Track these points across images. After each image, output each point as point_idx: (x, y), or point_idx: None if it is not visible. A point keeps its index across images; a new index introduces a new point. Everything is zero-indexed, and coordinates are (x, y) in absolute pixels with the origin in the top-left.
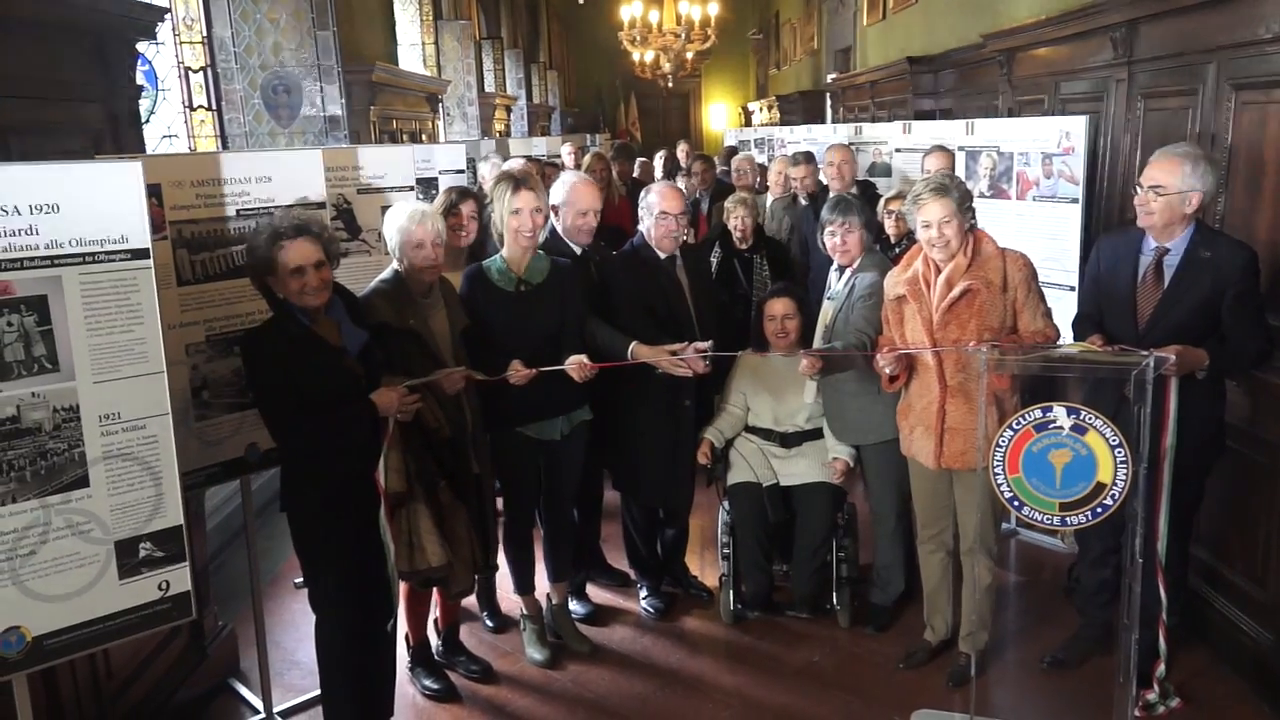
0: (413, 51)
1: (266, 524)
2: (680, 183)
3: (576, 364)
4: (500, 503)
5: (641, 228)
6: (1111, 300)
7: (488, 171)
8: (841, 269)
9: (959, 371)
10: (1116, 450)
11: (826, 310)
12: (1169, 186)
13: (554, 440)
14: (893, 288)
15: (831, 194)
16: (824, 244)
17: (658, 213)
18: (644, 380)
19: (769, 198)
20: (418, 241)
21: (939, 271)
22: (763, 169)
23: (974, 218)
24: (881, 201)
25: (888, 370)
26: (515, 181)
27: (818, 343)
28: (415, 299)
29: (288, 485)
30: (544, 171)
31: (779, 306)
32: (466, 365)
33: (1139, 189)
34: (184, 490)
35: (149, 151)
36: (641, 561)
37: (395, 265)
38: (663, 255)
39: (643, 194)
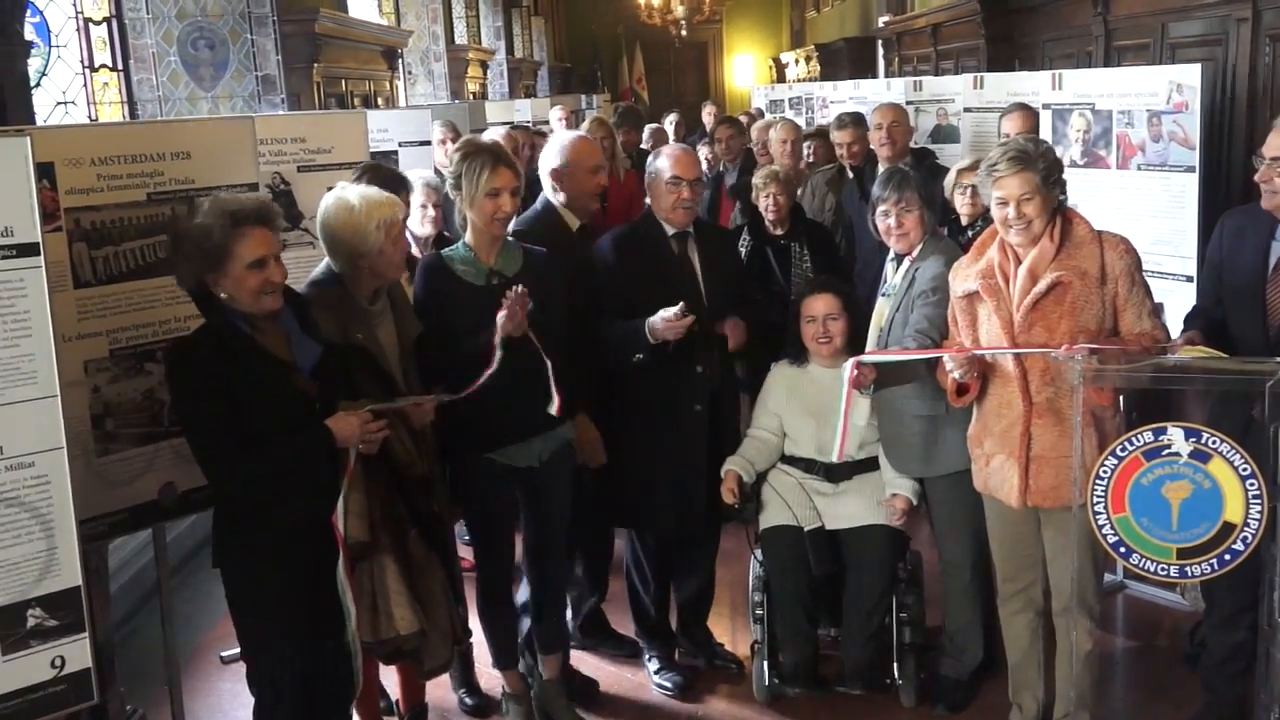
0: None
1: (187, 583)
2: (702, 154)
3: (410, 404)
4: (463, 550)
5: (649, 200)
6: (1235, 295)
7: (436, 137)
8: (899, 258)
9: (1047, 385)
10: (1248, 482)
11: (882, 309)
12: None
13: (532, 467)
14: (961, 282)
15: (882, 166)
16: (875, 227)
17: (668, 178)
18: (642, 383)
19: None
20: (377, 246)
21: (1019, 261)
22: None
23: (1063, 193)
24: (952, 173)
25: (956, 374)
26: (494, 156)
27: (871, 348)
28: (360, 307)
29: (222, 533)
30: (533, 141)
31: (820, 304)
32: (416, 382)
33: (1260, 161)
34: (83, 543)
35: (39, 123)
36: (650, 625)
37: (329, 264)
38: (672, 231)
39: (649, 159)
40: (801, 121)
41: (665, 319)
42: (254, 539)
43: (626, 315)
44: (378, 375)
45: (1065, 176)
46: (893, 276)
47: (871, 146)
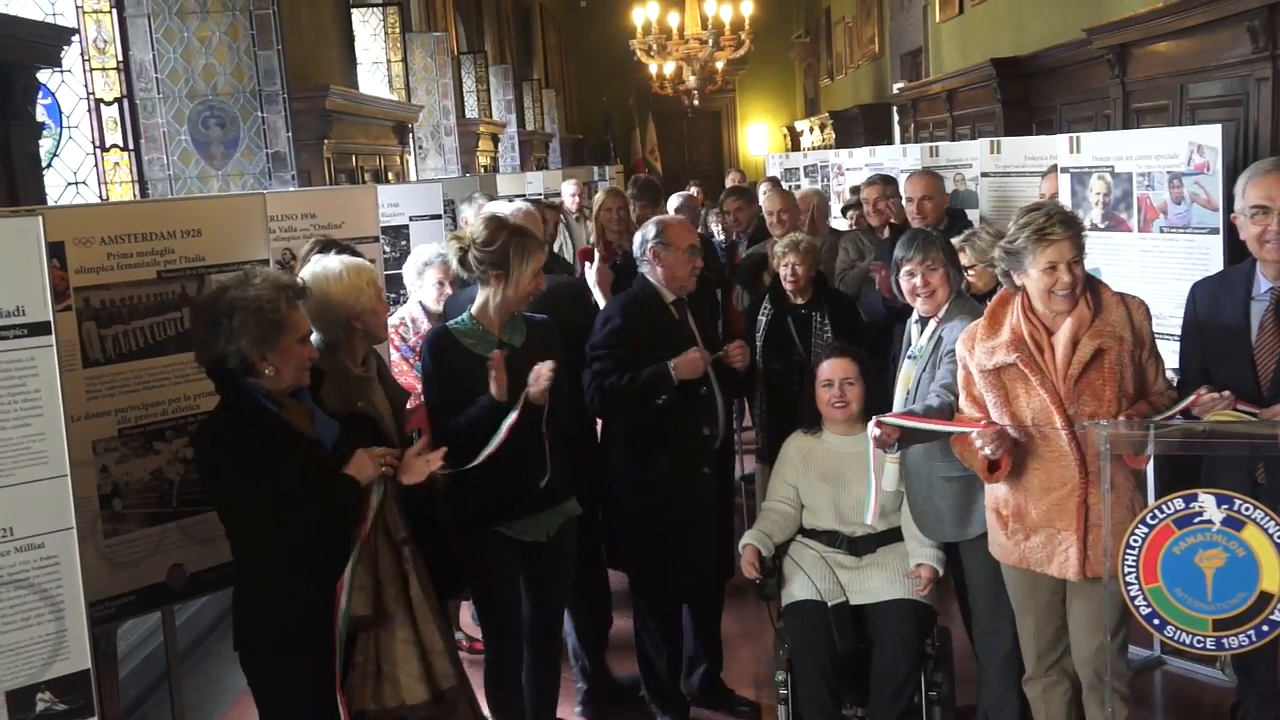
0: (376, 72)
1: (196, 668)
2: (715, 228)
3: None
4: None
5: (645, 269)
6: (1222, 359)
7: (472, 215)
8: (923, 320)
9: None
10: None
11: (909, 372)
12: None
13: (539, 542)
14: (986, 356)
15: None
16: (900, 289)
17: (685, 247)
18: (650, 447)
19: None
20: (370, 304)
21: (1049, 329)
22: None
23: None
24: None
25: (988, 451)
26: (535, 237)
27: (899, 411)
28: (355, 374)
29: (245, 615)
30: (544, 214)
31: (836, 369)
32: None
33: (1249, 215)
34: (91, 626)
35: (51, 202)
36: (663, 691)
37: (316, 335)
38: (671, 297)
39: (653, 227)
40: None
41: (690, 356)
42: (279, 619)
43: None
44: (379, 442)
45: (1087, 239)
46: (918, 338)
47: (909, 218)
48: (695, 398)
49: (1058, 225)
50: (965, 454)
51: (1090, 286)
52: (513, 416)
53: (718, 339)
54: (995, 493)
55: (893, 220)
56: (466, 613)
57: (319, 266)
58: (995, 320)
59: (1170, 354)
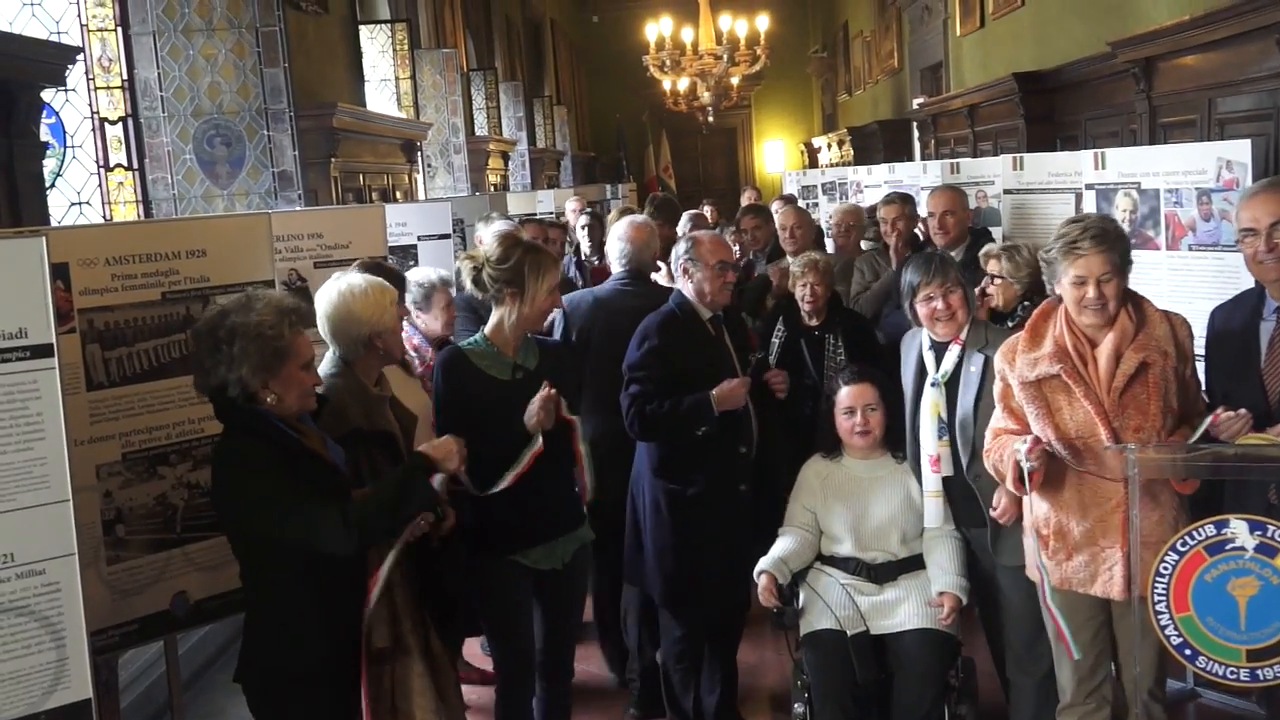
0: (384, 89)
1: (201, 697)
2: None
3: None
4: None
5: (680, 285)
6: (1232, 378)
7: (488, 236)
8: (937, 346)
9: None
10: None
11: (935, 399)
12: None
13: (555, 570)
14: (1028, 367)
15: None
16: (915, 314)
17: (714, 263)
18: (687, 467)
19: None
20: (392, 322)
21: (1092, 342)
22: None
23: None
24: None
25: (1031, 464)
26: (548, 254)
27: (928, 442)
28: (372, 393)
29: (255, 649)
30: (546, 235)
31: (857, 395)
32: None
33: (1240, 237)
34: (93, 654)
35: (54, 223)
36: (684, 712)
37: (336, 352)
38: (708, 314)
39: (684, 244)
40: (834, 208)
41: (730, 385)
42: (293, 652)
43: (672, 396)
44: (397, 460)
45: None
46: (941, 363)
47: (930, 234)
48: (731, 416)
49: (1088, 240)
50: (998, 465)
51: (1133, 301)
52: (537, 445)
53: (750, 356)
54: (1035, 512)
55: (920, 237)
56: (474, 644)
57: (343, 283)
58: (1037, 332)
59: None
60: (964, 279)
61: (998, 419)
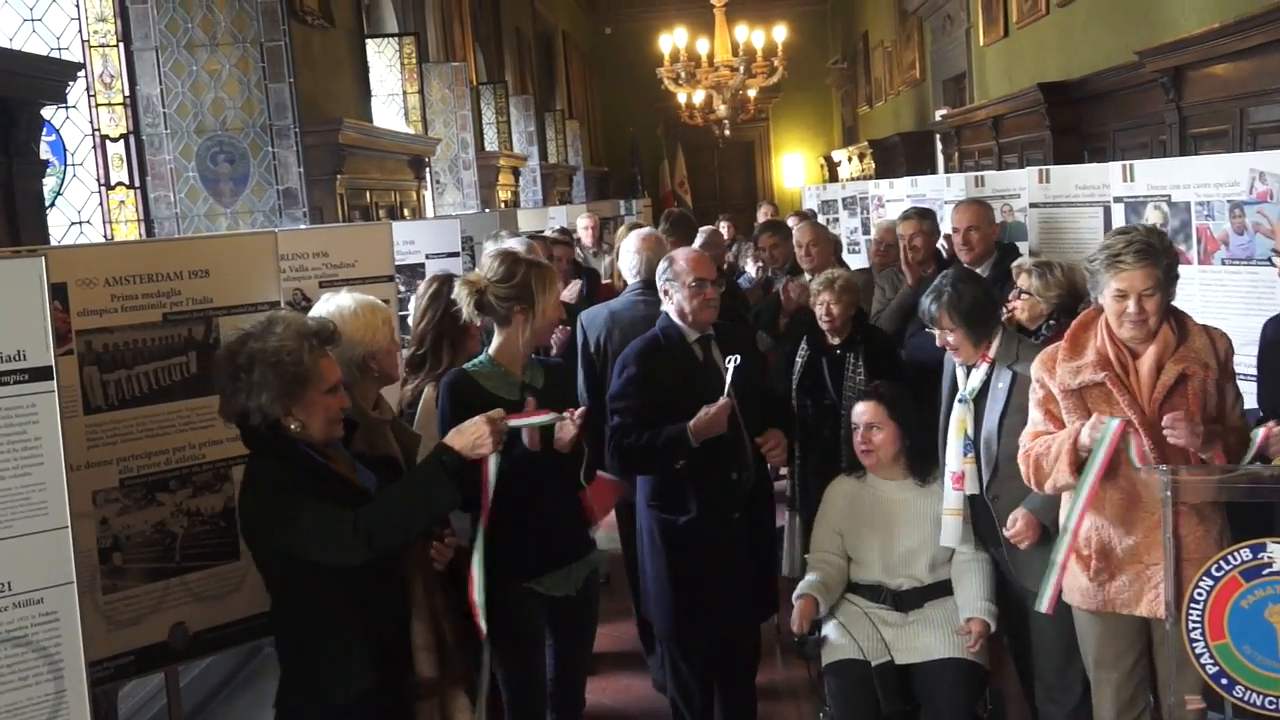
0: (391, 104)
1: None
2: (749, 264)
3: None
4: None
5: (665, 306)
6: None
7: (484, 257)
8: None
9: None
10: None
11: (963, 416)
12: None
13: (569, 596)
14: (1070, 375)
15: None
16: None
17: (690, 281)
18: (679, 494)
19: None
20: (386, 343)
21: (1134, 353)
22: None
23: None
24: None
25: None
26: (553, 270)
27: (952, 459)
28: (371, 418)
29: (291, 694)
30: (551, 253)
31: (861, 413)
32: None
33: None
34: (90, 687)
35: (54, 242)
36: None
37: None
38: (694, 335)
39: (662, 263)
40: (856, 222)
41: (707, 412)
42: (334, 691)
43: (653, 426)
44: None
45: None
46: (969, 380)
47: (955, 250)
48: (722, 440)
49: (1131, 253)
50: (1042, 458)
51: (1174, 314)
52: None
53: (760, 380)
54: (1070, 532)
55: (944, 253)
56: None
57: (333, 304)
58: (1077, 342)
59: (1248, 396)
60: (962, 318)
61: (1036, 423)
